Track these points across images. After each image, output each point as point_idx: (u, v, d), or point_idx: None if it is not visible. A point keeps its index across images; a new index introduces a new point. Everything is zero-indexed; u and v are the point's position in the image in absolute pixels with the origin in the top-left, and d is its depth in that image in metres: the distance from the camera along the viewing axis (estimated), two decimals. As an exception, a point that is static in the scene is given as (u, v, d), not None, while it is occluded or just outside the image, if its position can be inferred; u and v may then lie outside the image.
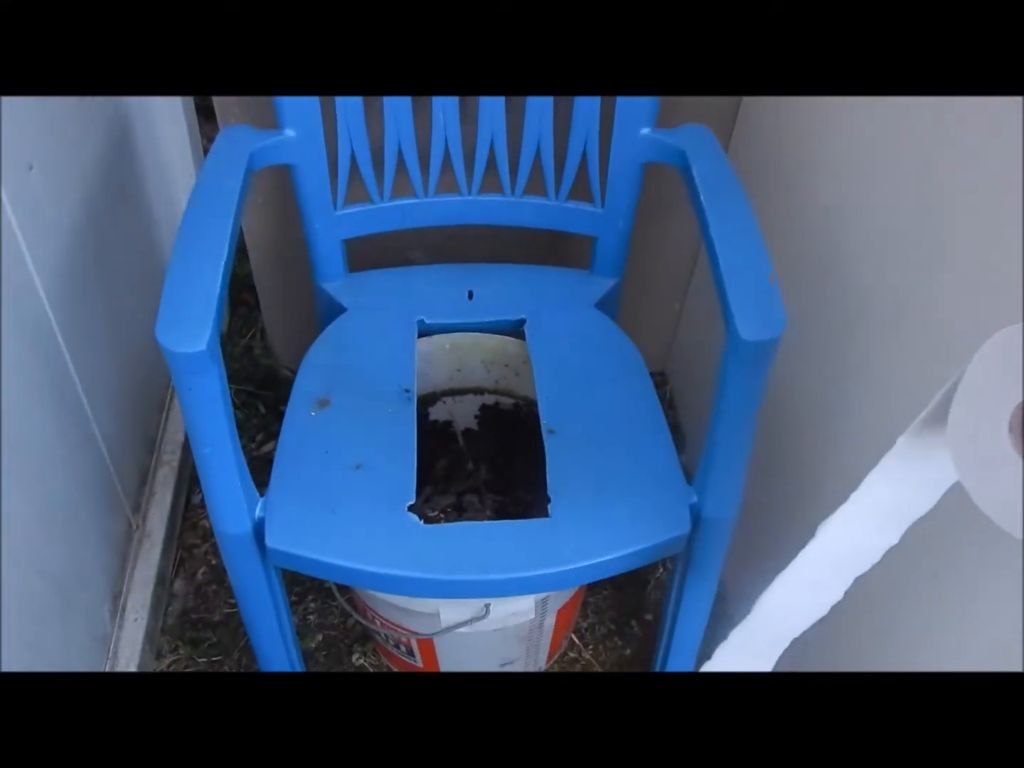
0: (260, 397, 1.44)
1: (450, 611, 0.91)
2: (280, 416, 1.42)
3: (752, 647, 0.66)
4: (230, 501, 0.81)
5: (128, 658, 1.05)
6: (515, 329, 1.07)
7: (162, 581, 1.17)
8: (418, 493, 0.86)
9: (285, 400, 1.46)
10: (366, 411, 0.95)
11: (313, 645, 1.20)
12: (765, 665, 0.68)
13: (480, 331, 1.08)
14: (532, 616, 0.96)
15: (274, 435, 1.41)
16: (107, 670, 1.02)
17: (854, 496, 0.55)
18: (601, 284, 1.10)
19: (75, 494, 0.96)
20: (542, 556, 0.83)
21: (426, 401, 1.16)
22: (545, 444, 0.91)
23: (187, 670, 1.16)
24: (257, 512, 0.84)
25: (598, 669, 1.18)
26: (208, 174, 0.86)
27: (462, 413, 1.20)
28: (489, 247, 1.16)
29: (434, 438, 1.22)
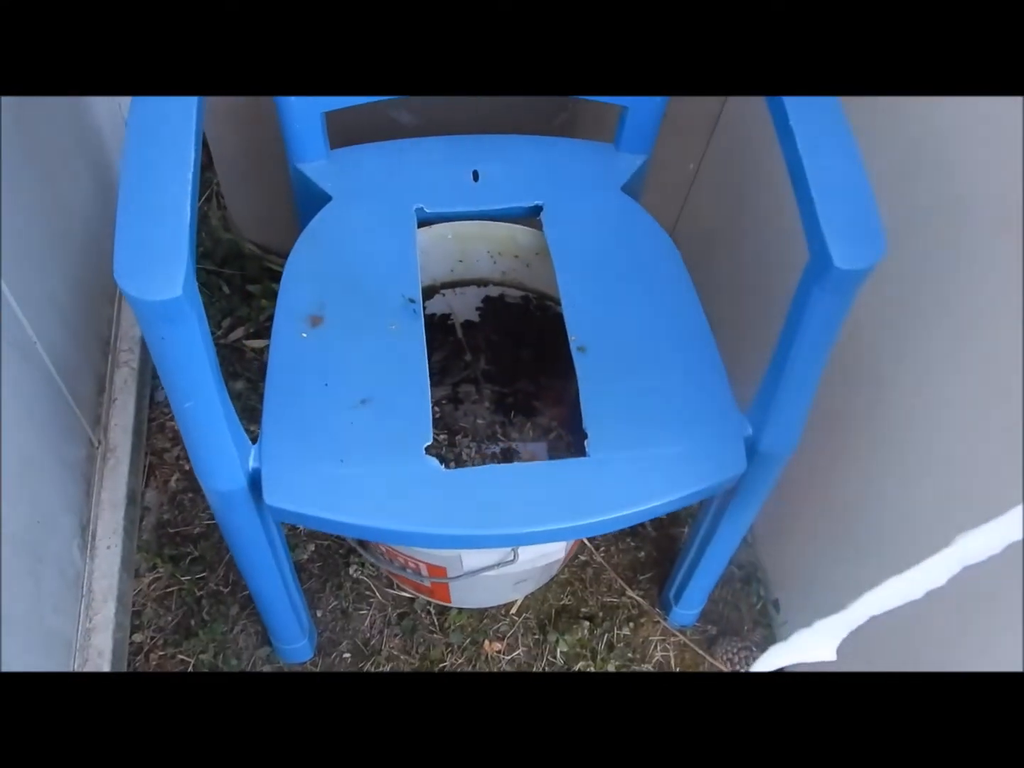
0: (223, 276, 1.27)
1: (474, 557, 0.82)
2: (248, 297, 1.27)
3: (837, 637, 0.59)
4: (219, 457, 0.69)
5: (105, 591, 0.95)
6: (529, 216, 0.92)
7: (133, 499, 1.05)
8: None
9: (252, 278, 1.30)
10: (367, 329, 0.81)
11: (305, 556, 1.12)
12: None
13: (488, 219, 0.92)
14: (562, 555, 0.87)
15: (242, 320, 1.26)
16: (82, 609, 0.92)
17: (1012, 513, 0.46)
18: (629, 162, 0.94)
19: (24, 431, 0.82)
20: (581, 505, 0.73)
21: (423, 294, 1.02)
22: (576, 365, 0.79)
23: (168, 589, 1.07)
24: (251, 463, 0.72)
25: (610, 573, 1.12)
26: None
27: (462, 305, 1.06)
28: (489, 108, 0.99)
29: (429, 331, 1.08)
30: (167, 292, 0.55)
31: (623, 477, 0.74)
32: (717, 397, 0.78)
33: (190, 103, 0.63)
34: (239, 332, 1.24)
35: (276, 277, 1.27)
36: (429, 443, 0.75)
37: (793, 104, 0.67)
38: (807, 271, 0.66)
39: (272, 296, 1.26)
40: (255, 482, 0.72)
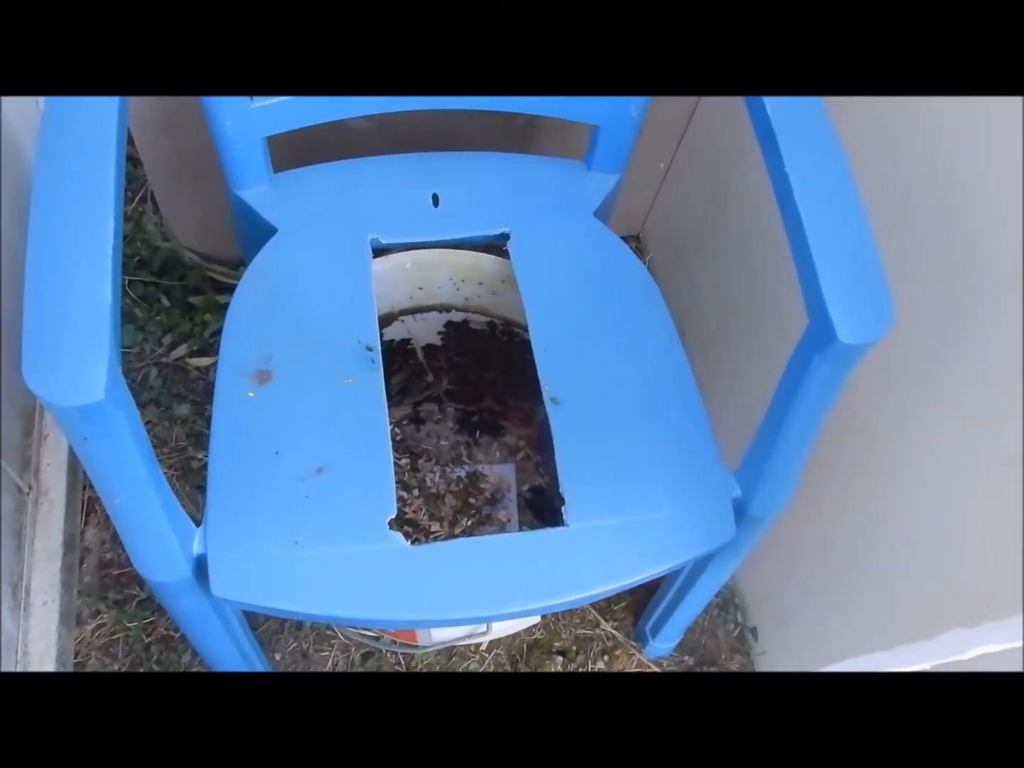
0: (161, 287, 1.17)
1: (445, 631, 0.77)
2: (191, 311, 1.18)
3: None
4: (158, 548, 0.62)
5: (42, 653, 0.88)
6: (494, 242, 0.85)
7: (71, 545, 0.98)
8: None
9: (194, 290, 1.21)
10: (320, 384, 0.73)
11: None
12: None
13: (450, 247, 0.85)
14: (538, 619, 0.82)
15: (185, 337, 1.17)
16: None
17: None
18: (601, 183, 0.87)
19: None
20: (558, 582, 0.67)
21: (380, 323, 0.94)
22: (551, 420, 0.73)
23: (114, 636, 1.01)
24: (195, 548, 0.65)
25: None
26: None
27: (423, 330, 0.99)
28: (448, 124, 0.90)
29: (388, 355, 1.01)
30: (87, 395, 0.48)
31: (603, 549, 0.68)
32: (702, 455, 0.73)
33: (109, 138, 0.54)
34: (182, 349, 1.15)
35: (220, 288, 1.19)
36: (393, 516, 0.68)
37: (788, 143, 0.60)
38: (806, 337, 0.60)
39: (217, 309, 1.17)
40: (201, 567, 0.65)
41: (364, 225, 0.81)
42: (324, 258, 0.79)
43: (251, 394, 0.72)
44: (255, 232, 0.81)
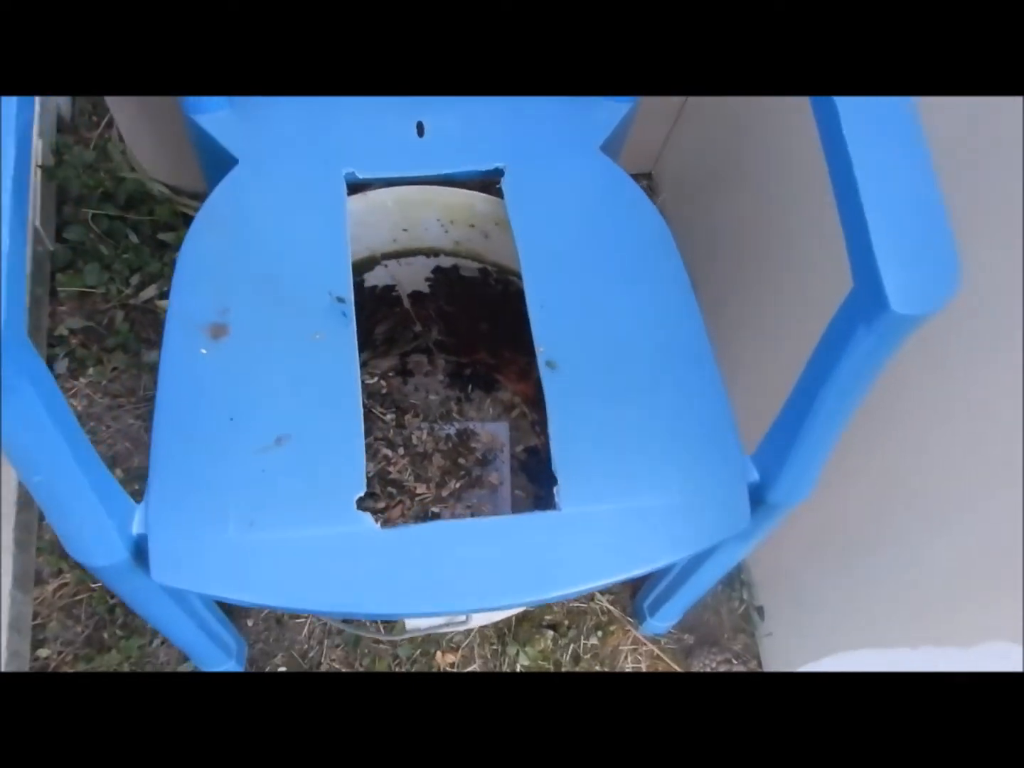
0: (128, 222, 1.08)
1: (420, 620, 0.69)
2: (161, 248, 1.09)
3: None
4: (89, 530, 0.54)
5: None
6: (487, 178, 0.75)
7: (27, 502, 0.90)
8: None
9: (163, 225, 1.11)
10: (284, 340, 0.65)
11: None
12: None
13: (437, 182, 0.75)
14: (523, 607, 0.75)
15: (154, 277, 1.08)
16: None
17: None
18: (610, 113, 0.76)
19: None
20: (548, 573, 0.60)
21: (360, 267, 0.85)
22: (545, 387, 0.65)
23: (77, 597, 0.94)
24: (135, 528, 0.57)
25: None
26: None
27: (409, 276, 0.89)
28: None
29: (371, 303, 0.92)
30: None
31: (600, 538, 0.60)
32: (718, 432, 0.64)
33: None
34: (151, 291, 1.06)
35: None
36: (362, 494, 0.60)
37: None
38: (850, 303, 0.51)
39: (188, 247, 1.08)
40: (143, 549, 0.57)
41: (338, 157, 0.71)
42: (291, 194, 0.70)
43: (204, 350, 0.63)
44: (217, 164, 0.71)
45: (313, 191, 0.70)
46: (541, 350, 0.66)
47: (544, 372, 0.65)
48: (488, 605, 0.59)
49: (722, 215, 1.00)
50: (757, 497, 0.62)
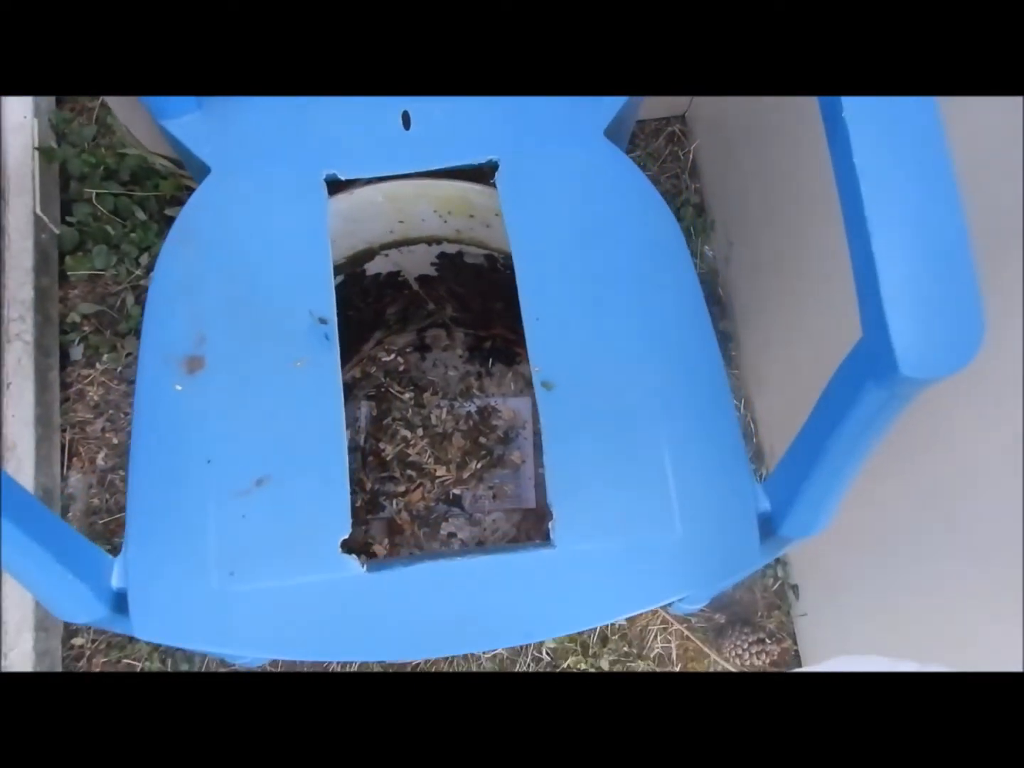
0: (134, 199, 1.04)
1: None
2: (169, 224, 1.06)
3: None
4: (64, 594, 0.53)
5: (19, 623, 0.83)
6: (480, 172, 0.69)
7: (49, 499, 0.91)
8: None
9: (170, 200, 1.08)
10: (262, 372, 0.61)
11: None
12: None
13: (427, 178, 0.69)
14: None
15: (163, 255, 1.04)
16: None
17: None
18: (614, 91, 0.68)
19: None
20: (541, 615, 0.57)
21: (359, 259, 0.81)
22: (540, 410, 0.60)
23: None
24: (114, 581, 0.56)
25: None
26: None
27: (412, 262, 0.85)
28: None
29: (377, 289, 0.88)
30: None
31: (597, 577, 0.57)
32: (727, 461, 0.59)
33: None
34: (161, 270, 1.03)
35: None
36: (346, 535, 0.58)
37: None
38: (858, 353, 0.45)
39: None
40: (122, 602, 0.56)
41: (317, 158, 0.66)
42: (267, 204, 0.65)
43: (179, 387, 0.60)
44: (198, 170, 0.67)
45: (291, 198, 0.65)
46: (536, 369, 0.62)
47: (540, 394, 0.61)
48: (479, 649, 0.57)
49: (760, 167, 0.91)
50: (767, 529, 0.58)
